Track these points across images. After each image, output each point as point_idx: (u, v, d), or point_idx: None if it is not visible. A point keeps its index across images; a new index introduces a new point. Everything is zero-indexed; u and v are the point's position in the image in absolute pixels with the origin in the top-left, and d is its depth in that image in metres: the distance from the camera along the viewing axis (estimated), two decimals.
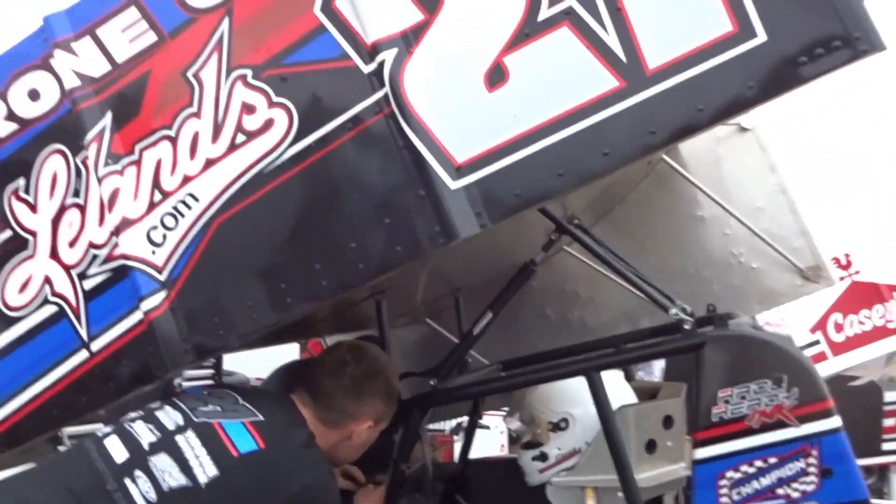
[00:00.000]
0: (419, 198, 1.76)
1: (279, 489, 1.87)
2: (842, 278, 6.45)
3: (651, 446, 2.21)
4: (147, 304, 1.94)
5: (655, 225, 3.56)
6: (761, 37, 1.61)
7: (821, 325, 6.44)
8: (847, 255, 6.54)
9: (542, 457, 2.40)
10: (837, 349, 6.38)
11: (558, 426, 2.39)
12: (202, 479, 1.80)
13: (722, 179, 3.49)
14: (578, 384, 2.32)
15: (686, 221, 3.55)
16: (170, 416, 1.93)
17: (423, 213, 1.75)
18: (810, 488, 2.02)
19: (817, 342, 6.40)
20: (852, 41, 1.57)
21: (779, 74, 1.62)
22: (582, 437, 2.35)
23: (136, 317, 1.97)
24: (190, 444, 1.85)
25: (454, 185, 1.74)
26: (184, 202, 1.94)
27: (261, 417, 1.96)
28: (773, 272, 3.49)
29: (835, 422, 2.02)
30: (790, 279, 3.49)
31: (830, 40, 1.58)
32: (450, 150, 1.75)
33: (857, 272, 6.48)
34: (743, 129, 3.47)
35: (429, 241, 1.76)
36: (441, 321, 3.82)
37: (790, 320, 6.53)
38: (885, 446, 6.50)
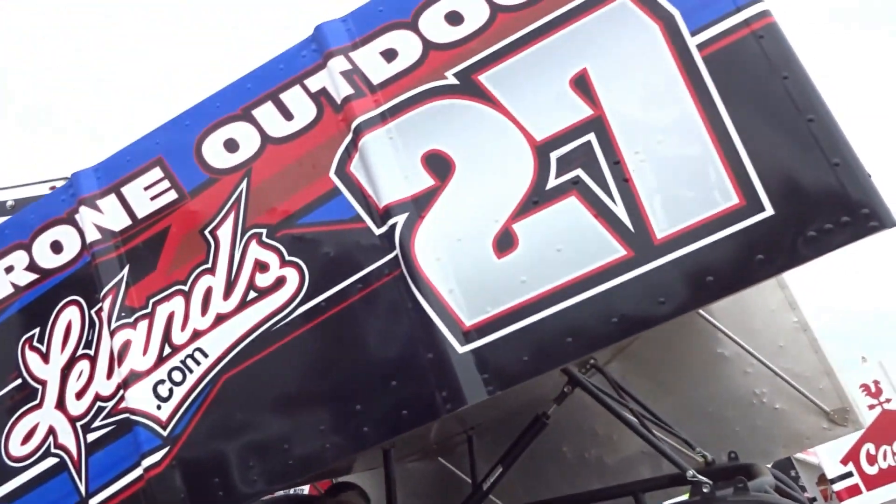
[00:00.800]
0: (427, 361, 1.74)
1: None
2: (871, 407, 6.24)
3: None
4: (148, 461, 1.91)
5: (675, 361, 3.49)
6: (768, 210, 1.62)
7: (853, 456, 6.18)
8: (877, 382, 6.35)
9: None
10: (871, 483, 6.09)
11: None
12: None
13: (742, 316, 3.44)
14: None
15: (707, 358, 3.47)
16: None
17: (431, 377, 1.73)
18: None
19: (850, 474, 6.13)
20: (860, 217, 1.56)
21: (788, 248, 1.61)
22: None
23: (136, 473, 1.93)
24: None
25: (462, 349, 1.73)
26: (192, 357, 1.94)
27: None
28: (797, 414, 3.38)
29: None
30: (816, 422, 3.36)
31: (838, 216, 1.58)
32: (458, 313, 1.75)
33: (889, 400, 6.27)
34: None
35: (436, 406, 1.73)
36: (453, 458, 3.71)
37: (821, 450, 6.29)
38: None
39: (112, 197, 2.08)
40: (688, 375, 3.50)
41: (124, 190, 2.08)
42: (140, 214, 2.07)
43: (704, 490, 2.10)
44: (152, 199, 2.05)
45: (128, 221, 2.08)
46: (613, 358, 3.46)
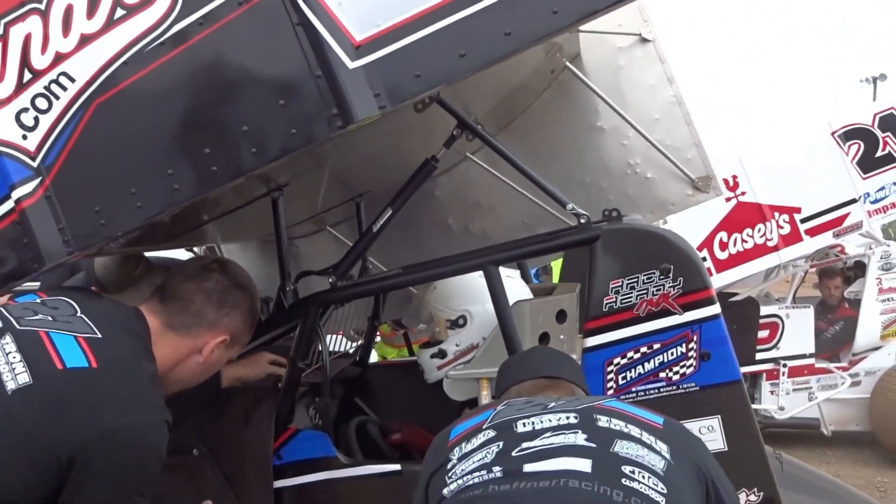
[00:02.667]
0: (315, 78, 1.68)
1: (98, 418, 1.57)
2: (728, 199, 6.78)
3: (544, 339, 2.28)
4: (19, 192, 1.80)
5: (556, 135, 3.61)
6: None
7: (707, 244, 6.79)
8: (735, 177, 6.86)
9: (441, 354, 2.44)
10: (721, 266, 6.76)
11: (456, 323, 2.42)
12: (9, 386, 1.55)
13: (621, 90, 3.55)
14: (476, 283, 2.35)
15: (585, 132, 3.61)
16: None
17: (320, 94, 1.68)
18: (689, 371, 2.14)
19: (704, 259, 6.75)
20: None
21: None
22: (479, 333, 2.39)
23: (7, 206, 1.82)
24: (4, 349, 1.61)
25: (353, 64, 1.67)
26: (57, 82, 1.79)
27: (98, 335, 1.70)
28: (665, 182, 3.62)
29: (714, 309, 2.12)
30: (681, 189, 3.63)
31: None
32: (348, 27, 1.67)
33: (744, 193, 6.82)
34: (644, 41, 3.51)
35: (325, 123, 1.69)
36: (343, 232, 3.77)
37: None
38: (759, 356, 7.03)
39: None
40: (567, 148, 3.64)
41: None
42: None
43: (581, 220, 2.25)
44: None
45: None
46: (499, 133, 3.52)
